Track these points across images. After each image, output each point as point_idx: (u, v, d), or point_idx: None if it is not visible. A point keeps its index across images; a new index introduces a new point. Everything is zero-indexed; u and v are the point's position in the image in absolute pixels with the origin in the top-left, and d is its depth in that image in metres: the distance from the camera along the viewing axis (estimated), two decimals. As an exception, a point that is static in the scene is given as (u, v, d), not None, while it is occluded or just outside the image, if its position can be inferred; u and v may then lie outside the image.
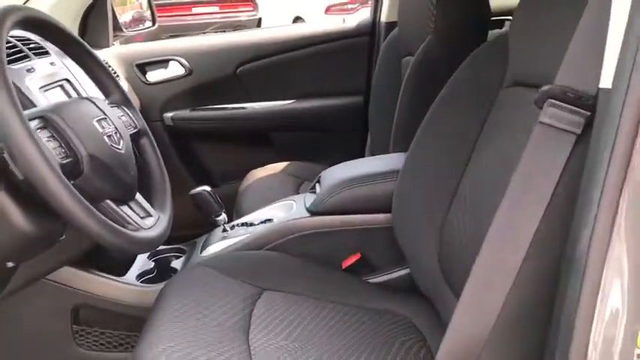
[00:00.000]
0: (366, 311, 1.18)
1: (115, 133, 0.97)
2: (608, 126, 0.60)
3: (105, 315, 1.36)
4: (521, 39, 1.05)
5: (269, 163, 1.97)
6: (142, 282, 1.39)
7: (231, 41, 2.16)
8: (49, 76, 1.30)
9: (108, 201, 0.93)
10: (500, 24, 2.44)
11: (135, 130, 1.08)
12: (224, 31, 7.82)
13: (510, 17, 1.14)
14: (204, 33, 7.57)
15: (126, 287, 1.36)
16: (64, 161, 0.86)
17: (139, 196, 1.02)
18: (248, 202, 1.69)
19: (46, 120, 0.88)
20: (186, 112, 2.08)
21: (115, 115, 1.03)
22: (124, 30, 2.24)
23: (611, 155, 0.60)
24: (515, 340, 0.79)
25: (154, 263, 1.46)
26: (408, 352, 1.05)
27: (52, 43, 1.08)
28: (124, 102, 1.11)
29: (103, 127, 0.95)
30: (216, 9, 8.22)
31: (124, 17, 2.49)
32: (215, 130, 2.09)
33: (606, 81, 0.61)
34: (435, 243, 1.14)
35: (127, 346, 1.38)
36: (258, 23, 8.43)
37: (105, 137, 0.94)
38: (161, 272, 1.43)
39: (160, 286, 1.34)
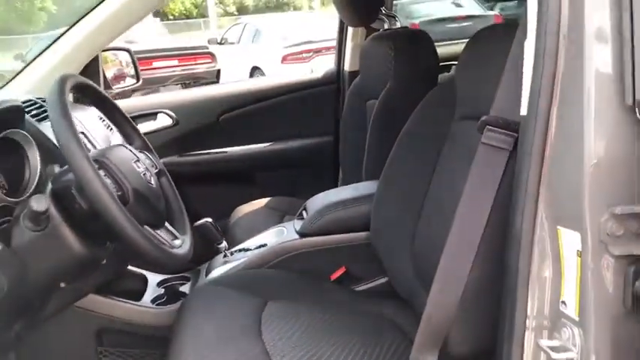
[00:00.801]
0: (355, 314, 1.39)
1: (147, 171, 1.19)
2: (527, 143, 0.84)
3: (126, 336, 1.53)
4: (465, 80, 1.30)
5: (252, 200, 2.17)
6: (156, 305, 1.58)
7: (213, 93, 2.38)
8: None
9: (146, 226, 1.13)
10: (448, 68, 2.75)
11: (156, 170, 1.30)
12: (184, 84, 8.04)
13: (456, 62, 1.40)
14: (164, 86, 7.76)
15: (144, 310, 1.54)
16: (117, 194, 1.07)
17: (166, 223, 1.24)
18: (239, 234, 1.90)
19: (100, 162, 1.09)
20: (174, 158, 2.26)
21: (143, 158, 1.25)
22: (112, 87, 2.44)
23: (530, 164, 0.83)
24: (477, 313, 1.00)
25: (163, 290, 1.65)
26: (392, 345, 1.23)
27: (90, 100, 1.30)
28: (145, 147, 1.33)
29: (138, 167, 1.17)
30: (175, 62, 8.35)
31: (107, 75, 2.69)
32: (201, 173, 2.28)
33: (524, 110, 0.86)
34: (409, 252, 1.37)
35: None
36: (217, 75, 8.60)
37: (141, 175, 1.16)
38: (171, 297, 1.62)
39: (172, 307, 1.54)
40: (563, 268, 0.82)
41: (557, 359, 0.81)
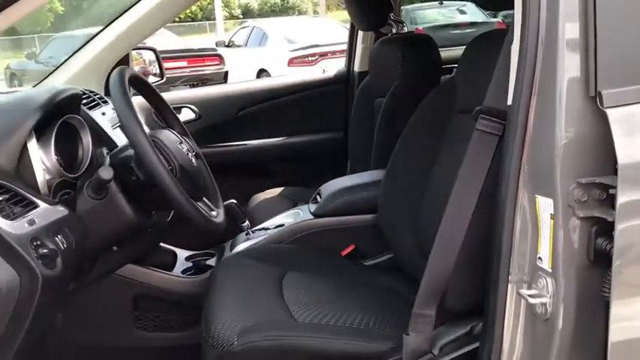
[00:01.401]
0: (363, 284, 1.58)
1: (189, 152, 1.38)
2: (511, 128, 1.03)
3: (159, 302, 1.72)
4: (463, 79, 1.49)
5: (268, 189, 2.35)
6: (187, 275, 1.77)
7: (233, 90, 2.58)
8: (113, 118, 1.71)
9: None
10: (451, 70, 2.94)
11: (194, 153, 1.49)
12: (192, 84, 8.21)
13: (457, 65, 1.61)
14: (174, 86, 7.92)
15: (176, 279, 1.73)
16: (168, 168, 1.26)
17: (203, 197, 1.43)
18: (257, 217, 2.08)
19: (153, 141, 1.28)
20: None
21: (184, 141, 1.44)
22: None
23: (513, 145, 1.01)
24: (469, 273, 1.17)
25: (192, 263, 1.84)
26: (396, 307, 1.40)
27: (138, 92, 1.50)
28: (184, 133, 1.52)
29: (182, 148, 1.36)
30: (184, 64, 8.54)
31: (132, 72, 2.88)
32: (221, 164, 2.46)
33: (509, 100, 1.05)
34: (411, 231, 1.55)
35: (178, 327, 1.74)
36: (225, 76, 8.73)
37: (185, 154, 1.35)
38: (198, 270, 1.81)
39: (202, 276, 1.73)
40: (539, 229, 1.00)
41: (533, 303, 1.00)
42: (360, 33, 2.53)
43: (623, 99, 0.91)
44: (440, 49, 2.08)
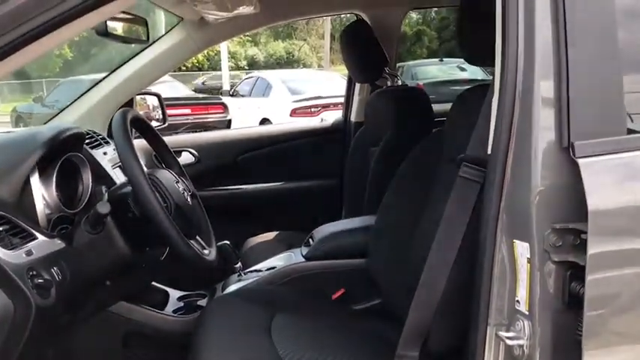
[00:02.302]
0: (351, 328, 1.60)
1: (185, 191, 1.43)
2: (491, 176, 1.08)
3: (150, 340, 1.74)
4: (451, 130, 1.55)
5: (263, 232, 2.39)
6: (178, 315, 1.80)
7: (232, 136, 2.66)
8: (114, 158, 1.77)
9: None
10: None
11: (190, 193, 1.54)
12: (195, 132, 8.34)
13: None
14: (176, 133, 8.04)
15: (167, 318, 1.76)
16: (164, 205, 1.31)
17: (197, 236, 1.47)
18: (250, 260, 2.11)
19: (151, 179, 1.34)
20: None
21: (181, 181, 1.49)
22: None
23: (492, 191, 1.06)
24: (451, 315, 1.20)
25: (183, 303, 1.86)
26: (381, 348, 1.41)
27: (140, 133, 1.56)
28: (182, 174, 1.58)
29: (179, 187, 1.41)
30: (188, 111, 8.67)
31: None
32: (219, 207, 2.51)
33: (489, 149, 1.11)
34: (401, 274, 1.58)
35: None
36: (228, 125, 8.84)
37: (181, 193, 1.40)
38: (190, 310, 1.83)
39: (192, 316, 1.75)
40: (517, 273, 1.04)
41: (511, 345, 1.03)
42: (357, 85, 2.62)
43: (594, 150, 0.97)
44: (439, 104, 2.16)
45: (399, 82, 2.37)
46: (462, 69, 10.54)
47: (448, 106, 1.62)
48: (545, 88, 1.01)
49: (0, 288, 1.05)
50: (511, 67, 1.04)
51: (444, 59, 11.14)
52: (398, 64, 2.74)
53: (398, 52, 2.59)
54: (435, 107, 2.24)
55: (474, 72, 10.15)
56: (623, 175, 1.00)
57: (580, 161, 0.96)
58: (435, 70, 10.88)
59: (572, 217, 0.99)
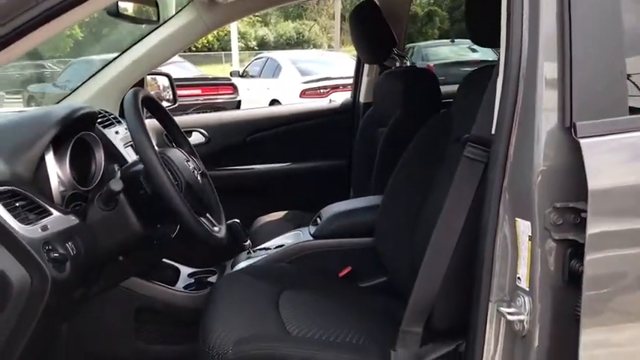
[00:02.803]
0: (357, 304, 1.63)
1: (195, 169, 1.46)
2: (494, 156, 1.10)
3: (161, 316, 1.79)
4: (459, 110, 1.57)
5: (271, 212, 2.42)
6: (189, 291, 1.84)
7: (242, 116, 2.68)
8: (126, 137, 1.80)
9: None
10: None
11: (200, 171, 1.57)
12: (206, 112, 8.35)
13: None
14: (187, 113, 8.05)
15: (178, 294, 1.80)
16: (175, 183, 1.34)
17: (207, 214, 1.51)
18: (259, 238, 2.15)
19: (162, 157, 1.37)
20: None
21: (191, 160, 1.52)
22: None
23: (496, 171, 1.08)
24: (454, 293, 1.22)
25: (193, 280, 1.90)
26: (386, 327, 1.44)
27: (151, 113, 1.59)
28: (192, 153, 1.61)
29: (189, 166, 1.44)
30: (198, 92, 8.72)
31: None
32: (229, 186, 2.54)
33: (493, 129, 1.12)
34: (406, 252, 1.61)
35: (177, 341, 1.79)
36: (238, 105, 8.85)
37: (191, 172, 1.43)
38: (200, 286, 1.88)
39: (202, 292, 1.79)
40: (519, 250, 1.07)
41: (512, 320, 1.06)
42: (366, 66, 2.63)
43: (595, 130, 0.99)
44: (449, 85, 2.16)
45: (408, 63, 2.38)
46: (474, 50, 10.45)
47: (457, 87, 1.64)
48: (548, 68, 1.02)
49: (17, 261, 1.09)
50: (515, 47, 1.05)
51: (456, 40, 11.04)
52: (409, 45, 2.76)
53: (407, 32, 2.59)
54: (445, 89, 2.25)
55: (485, 53, 10.06)
56: (624, 156, 1.02)
57: (582, 141, 0.98)
58: (446, 51, 10.81)
59: (573, 196, 1.01)
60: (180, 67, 9.65)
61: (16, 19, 1.08)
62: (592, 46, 1.01)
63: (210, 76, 10.14)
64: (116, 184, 1.30)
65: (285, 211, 2.43)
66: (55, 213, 1.26)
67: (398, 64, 2.36)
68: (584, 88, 1.00)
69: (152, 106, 1.56)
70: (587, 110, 1.00)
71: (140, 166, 1.36)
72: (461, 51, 10.71)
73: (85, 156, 1.54)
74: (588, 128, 0.99)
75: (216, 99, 8.76)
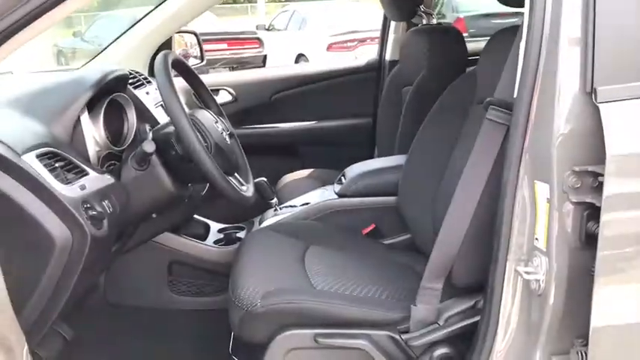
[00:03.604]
0: (380, 260, 1.68)
1: (223, 131, 1.51)
2: (516, 119, 1.12)
3: (192, 269, 1.87)
4: (483, 71, 1.57)
5: (297, 170, 2.47)
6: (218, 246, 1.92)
7: (268, 75, 2.70)
8: (156, 97, 1.85)
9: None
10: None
11: (228, 132, 1.62)
12: (231, 67, 8.33)
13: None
14: (213, 68, 8.04)
15: (208, 248, 1.88)
16: (204, 144, 1.39)
17: (235, 173, 1.56)
18: (285, 196, 2.21)
19: (192, 119, 1.41)
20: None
21: (219, 121, 1.57)
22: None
23: (517, 134, 1.10)
24: (475, 251, 1.26)
25: (223, 235, 1.98)
26: (407, 281, 1.49)
27: (180, 74, 1.63)
28: (220, 114, 1.65)
29: (218, 127, 1.49)
30: (224, 46, 8.65)
31: (174, 55, 3.01)
32: (255, 145, 2.59)
33: (515, 93, 1.14)
34: (429, 211, 1.65)
35: (208, 293, 1.89)
36: (264, 60, 8.81)
37: (220, 132, 1.48)
38: (229, 241, 1.95)
39: (232, 247, 1.86)
40: (537, 212, 1.10)
41: (529, 279, 1.10)
42: (393, 23, 2.61)
43: (616, 95, 1.00)
44: (477, 40, 2.13)
45: (434, 21, 2.36)
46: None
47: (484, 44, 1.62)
48: (571, 31, 1.03)
49: (59, 219, 1.16)
50: (539, 8, 1.06)
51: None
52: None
53: (434, -12, 2.55)
54: (472, 46, 2.23)
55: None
56: (643, 120, 1.03)
57: (601, 106, 0.99)
58: (475, 3, 10.50)
59: (591, 160, 1.03)
60: (205, 21, 9.57)
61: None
62: (616, 10, 1.01)
63: (236, 30, 10.05)
64: (149, 146, 1.35)
65: (311, 169, 2.47)
66: (92, 173, 1.32)
67: (425, 22, 2.34)
68: (607, 53, 1.01)
69: (181, 68, 1.60)
70: (609, 75, 1.01)
71: (171, 128, 1.41)
72: (491, 1, 10.39)
73: (118, 117, 1.59)
74: (609, 93, 1.00)
75: (242, 53, 8.66)
